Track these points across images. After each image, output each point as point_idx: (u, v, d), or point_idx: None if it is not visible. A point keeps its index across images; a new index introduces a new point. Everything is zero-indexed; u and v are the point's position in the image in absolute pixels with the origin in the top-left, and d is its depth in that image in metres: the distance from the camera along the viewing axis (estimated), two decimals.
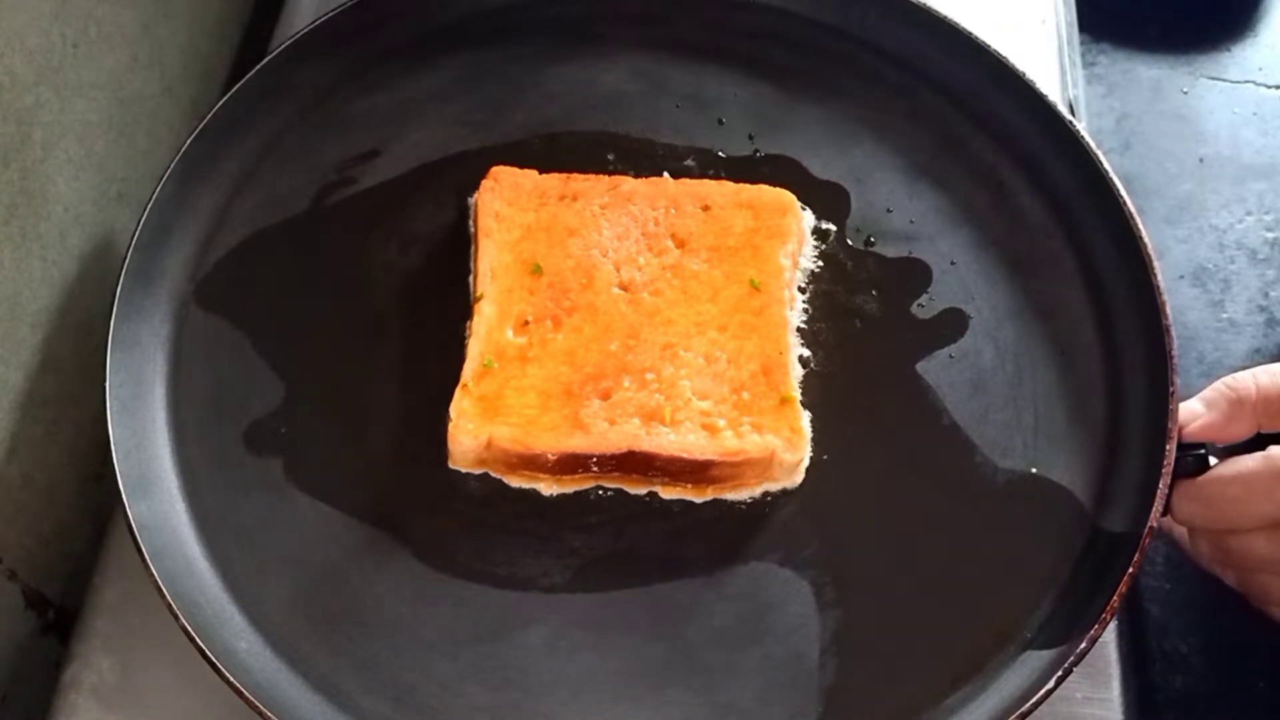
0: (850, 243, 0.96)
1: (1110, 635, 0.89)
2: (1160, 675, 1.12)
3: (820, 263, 0.95)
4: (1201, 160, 1.51)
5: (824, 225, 0.97)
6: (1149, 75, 1.58)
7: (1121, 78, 1.55)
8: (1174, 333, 0.88)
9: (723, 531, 0.85)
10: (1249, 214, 1.55)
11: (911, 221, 0.97)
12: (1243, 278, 1.50)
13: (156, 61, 1.04)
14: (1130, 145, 1.47)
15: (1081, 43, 1.40)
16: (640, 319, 0.89)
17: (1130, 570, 0.79)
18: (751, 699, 0.79)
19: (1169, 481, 0.82)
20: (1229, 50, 1.65)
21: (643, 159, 0.99)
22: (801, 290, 0.94)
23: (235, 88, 0.97)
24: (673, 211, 0.94)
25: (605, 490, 0.86)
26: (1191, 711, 1.08)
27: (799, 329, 0.92)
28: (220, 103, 0.96)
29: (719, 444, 0.84)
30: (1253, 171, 1.58)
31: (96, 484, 0.99)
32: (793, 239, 0.93)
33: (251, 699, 0.76)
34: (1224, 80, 1.62)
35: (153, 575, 0.79)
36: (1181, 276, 1.39)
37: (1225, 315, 1.34)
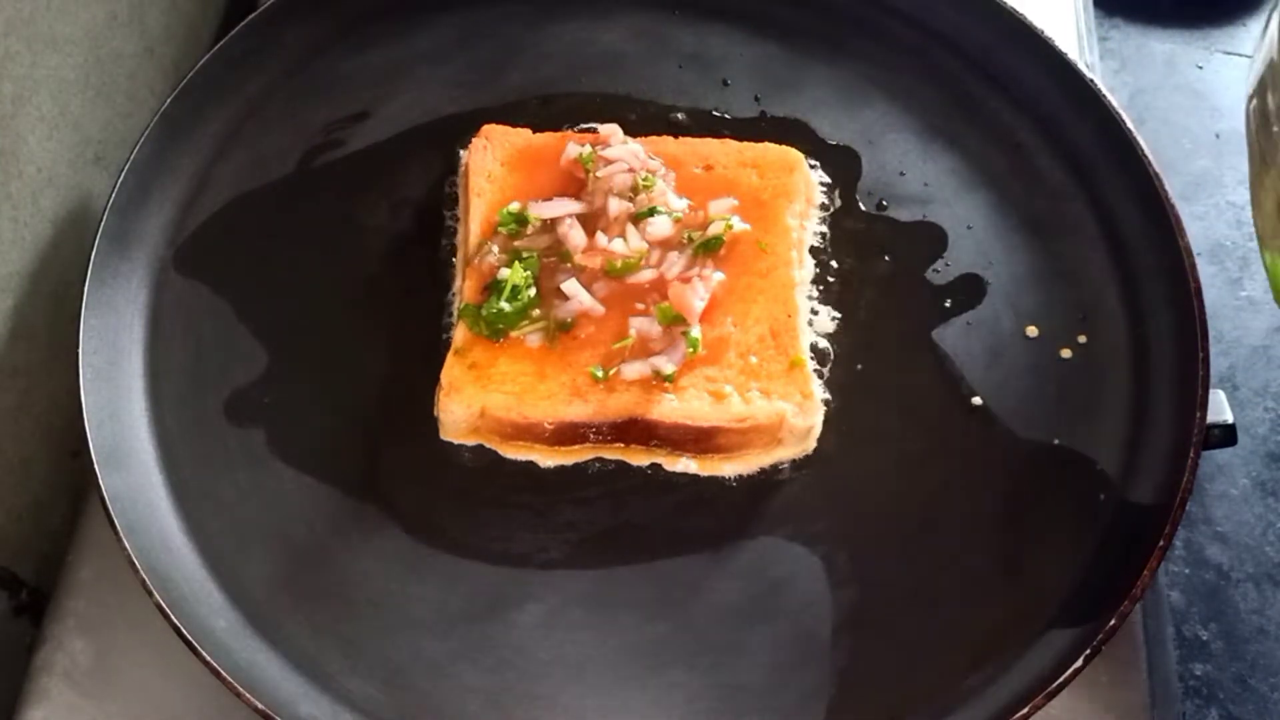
0: (862, 206, 0.92)
1: (1135, 616, 0.85)
2: (1180, 662, 1.08)
3: (830, 227, 0.91)
4: (1218, 136, 1.47)
5: (833, 188, 0.93)
6: (1162, 50, 1.54)
7: (1135, 53, 1.51)
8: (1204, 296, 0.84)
9: (729, 504, 0.81)
10: None
11: (925, 184, 0.93)
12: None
13: (137, 19, 1.00)
14: (1144, 121, 1.43)
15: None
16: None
17: (1162, 544, 0.76)
18: (760, 680, 0.76)
19: (1199, 452, 0.78)
20: (1244, 24, 1.61)
21: (643, 122, 0.95)
22: (811, 254, 0.90)
23: (219, 44, 0.94)
24: (674, 172, 0.90)
25: (605, 462, 0.83)
26: (1212, 699, 1.05)
27: (809, 295, 0.88)
28: (203, 60, 0.93)
29: (725, 410, 0.80)
30: None
31: (73, 460, 0.95)
32: (800, 198, 0.89)
33: (231, 681, 0.72)
34: (1240, 55, 1.58)
35: (126, 550, 0.76)
36: (1199, 254, 1.35)
37: (1244, 294, 1.30)
